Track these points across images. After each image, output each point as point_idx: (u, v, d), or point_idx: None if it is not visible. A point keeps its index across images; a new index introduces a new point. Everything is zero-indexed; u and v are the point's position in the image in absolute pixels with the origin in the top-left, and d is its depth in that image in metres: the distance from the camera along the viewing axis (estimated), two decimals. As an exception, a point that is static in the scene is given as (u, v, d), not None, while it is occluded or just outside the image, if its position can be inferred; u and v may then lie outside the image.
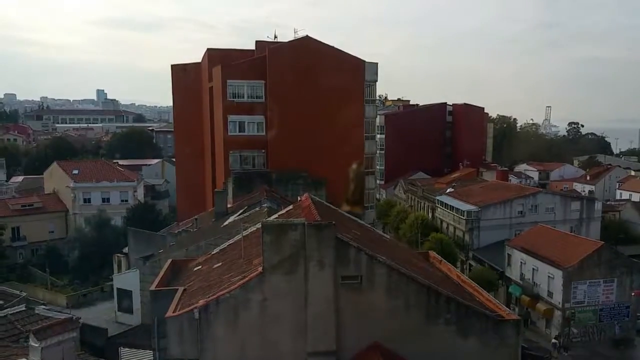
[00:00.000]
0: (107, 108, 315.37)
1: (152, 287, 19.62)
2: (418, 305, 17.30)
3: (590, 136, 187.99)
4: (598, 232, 66.20)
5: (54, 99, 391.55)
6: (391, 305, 17.17)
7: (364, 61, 59.06)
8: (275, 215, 24.48)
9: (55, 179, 76.54)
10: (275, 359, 16.62)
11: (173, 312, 16.94)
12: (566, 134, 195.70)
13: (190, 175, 68.69)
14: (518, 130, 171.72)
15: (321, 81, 54.87)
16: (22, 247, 68.67)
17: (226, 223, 36.35)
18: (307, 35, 57.95)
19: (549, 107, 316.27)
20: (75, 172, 75.19)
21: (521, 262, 52.93)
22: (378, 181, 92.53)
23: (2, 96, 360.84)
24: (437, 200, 75.24)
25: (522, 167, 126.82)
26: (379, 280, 17.05)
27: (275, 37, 63.21)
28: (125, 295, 43.38)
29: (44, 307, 30.67)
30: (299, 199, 24.86)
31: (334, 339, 16.60)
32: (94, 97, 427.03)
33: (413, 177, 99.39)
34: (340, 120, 55.46)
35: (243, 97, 56.62)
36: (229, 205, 43.67)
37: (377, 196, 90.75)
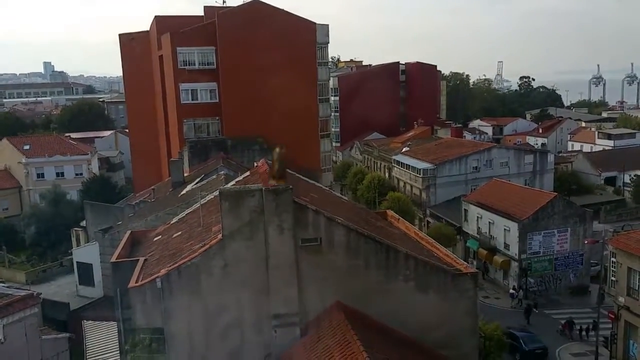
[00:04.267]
0: (55, 80, 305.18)
1: (113, 259, 19.59)
2: (377, 263, 17.76)
3: (541, 89, 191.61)
4: (551, 184, 68.07)
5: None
6: (351, 265, 17.58)
7: (315, 23, 58.54)
8: (233, 182, 24.49)
9: (6, 155, 74.37)
10: (240, 323, 16.92)
11: (135, 283, 17.00)
12: (518, 88, 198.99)
13: (145, 145, 67.61)
14: (471, 86, 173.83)
15: (272, 45, 54.29)
16: (-25, 225, 66.85)
17: (184, 192, 36.22)
18: (255, 0, 56.91)
19: (500, 62, 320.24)
20: (27, 147, 73.27)
21: (477, 217, 54.32)
22: (334, 143, 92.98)
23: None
24: (393, 159, 76.10)
25: (476, 123, 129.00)
26: (338, 241, 17.41)
27: (224, 1, 62.00)
28: (85, 268, 43.04)
29: (2, 284, 30.30)
30: (255, 164, 24.90)
31: (296, 301, 16.98)
32: (41, 70, 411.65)
33: (368, 138, 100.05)
34: (293, 84, 55.06)
35: (194, 64, 55.72)
36: (185, 174, 43.46)
37: (334, 158, 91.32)
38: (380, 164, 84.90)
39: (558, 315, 43.65)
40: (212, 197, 22.79)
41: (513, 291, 47.64)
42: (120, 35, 68.21)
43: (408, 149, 79.08)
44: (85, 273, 43.40)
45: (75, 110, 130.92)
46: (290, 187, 16.98)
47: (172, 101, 57.32)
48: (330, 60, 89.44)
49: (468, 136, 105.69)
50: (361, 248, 17.59)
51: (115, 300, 18.13)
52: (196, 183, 37.43)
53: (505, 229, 49.85)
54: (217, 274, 16.75)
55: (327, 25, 59.94)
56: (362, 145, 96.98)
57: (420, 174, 66.68)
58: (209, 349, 16.92)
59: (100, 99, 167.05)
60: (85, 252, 43.00)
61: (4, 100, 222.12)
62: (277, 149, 18.56)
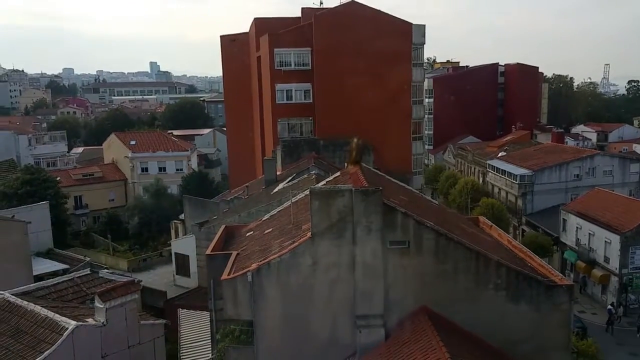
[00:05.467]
0: (160, 80, 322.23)
1: (208, 252, 20.41)
2: (466, 270, 17.30)
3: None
4: (660, 196, 63.81)
5: (109, 72, 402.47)
6: (439, 270, 17.27)
7: (411, 24, 58.05)
8: (323, 182, 24.80)
9: (114, 149, 79.23)
10: (325, 320, 17.13)
11: (227, 275, 17.65)
12: (626, 92, 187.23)
13: (241, 143, 69.90)
14: (575, 90, 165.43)
15: (367, 46, 54.47)
16: (84, 214, 71.86)
17: (276, 190, 37.03)
18: (352, 0, 57.31)
19: (607, 64, 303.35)
20: (133, 142, 77.56)
21: (577, 227, 51.80)
22: (426, 146, 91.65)
23: (61, 71, 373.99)
24: (489, 164, 74.00)
25: (579, 129, 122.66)
26: (427, 245, 17.16)
27: (321, 2, 62.94)
28: (182, 259, 44.99)
29: (106, 271, 32.22)
30: (346, 165, 25.09)
31: (381, 303, 16.94)
32: (147, 69, 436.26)
33: (463, 142, 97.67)
34: (387, 85, 55.10)
35: (290, 65, 56.91)
36: (278, 173, 44.38)
37: (426, 161, 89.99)
38: (475, 168, 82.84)
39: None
40: (303, 195, 23.19)
41: (611, 307, 45.10)
42: (221, 37, 71.00)
43: (504, 153, 76.66)
44: (182, 264, 45.39)
45: (177, 109, 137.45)
46: (380, 188, 17.00)
47: (268, 101, 58.84)
48: (425, 61, 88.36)
49: (570, 142, 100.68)
50: (450, 253, 17.25)
51: (209, 291, 18.97)
52: (288, 182, 38.19)
53: (606, 241, 47.25)
54: (305, 271, 17.05)
55: (424, 25, 59.26)
56: (456, 148, 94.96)
57: (516, 180, 64.47)
58: (294, 344, 17.26)
59: (201, 98, 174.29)
60: (183, 244, 44.95)
61: (113, 97, 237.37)
62: (355, 139, 18.88)
